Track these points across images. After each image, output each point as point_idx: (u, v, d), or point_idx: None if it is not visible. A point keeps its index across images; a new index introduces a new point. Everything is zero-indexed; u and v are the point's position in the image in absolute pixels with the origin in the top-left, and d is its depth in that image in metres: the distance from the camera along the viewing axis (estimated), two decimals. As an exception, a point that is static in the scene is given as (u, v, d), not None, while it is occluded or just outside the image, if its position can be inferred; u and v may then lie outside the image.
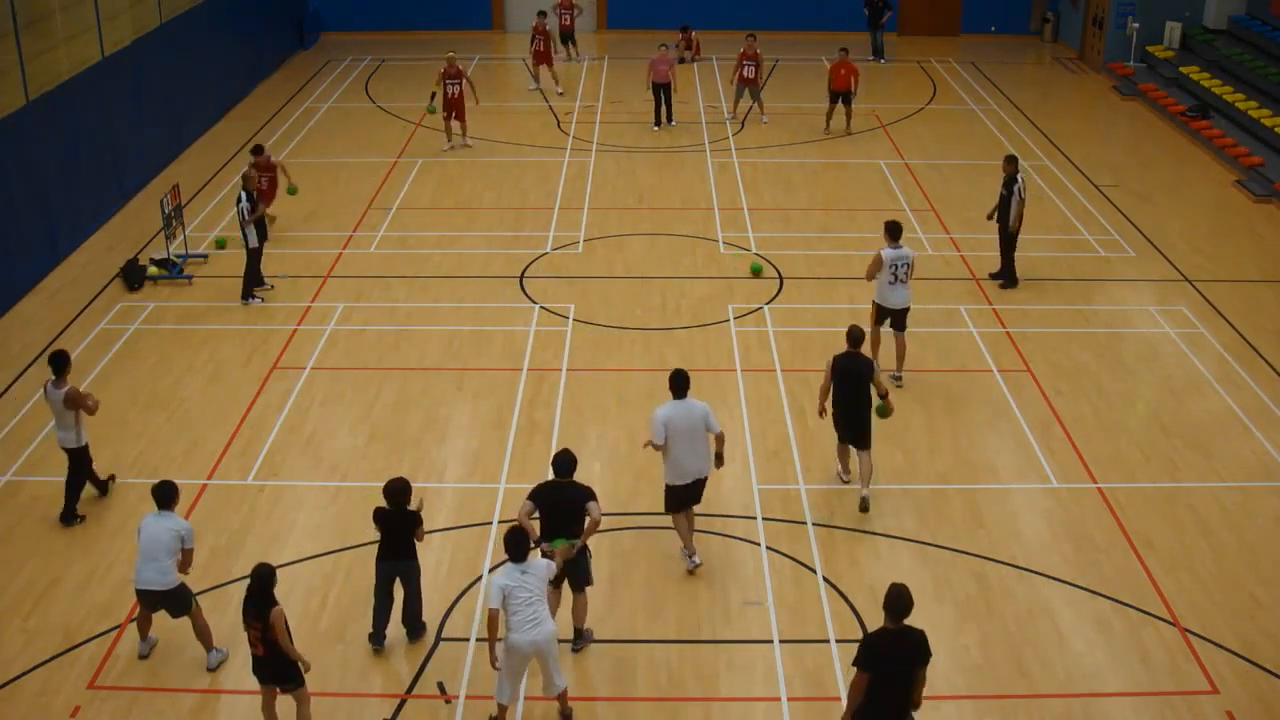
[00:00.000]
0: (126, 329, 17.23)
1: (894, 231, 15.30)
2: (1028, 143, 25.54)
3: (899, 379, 15.59)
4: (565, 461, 10.95)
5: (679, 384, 11.82)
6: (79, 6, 20.74)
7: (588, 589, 11.14)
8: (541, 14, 29.26)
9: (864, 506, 13.08)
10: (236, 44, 28.26)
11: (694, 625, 11.58)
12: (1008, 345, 16.81)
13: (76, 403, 12.74)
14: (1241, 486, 13.77)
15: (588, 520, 10.79)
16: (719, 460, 12.02)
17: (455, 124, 24.68)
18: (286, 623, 9.86)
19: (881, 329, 15.60)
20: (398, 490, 10.81)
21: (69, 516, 12.99)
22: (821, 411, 13.26)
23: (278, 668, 9.94)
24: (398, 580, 11.09)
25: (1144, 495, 13.61)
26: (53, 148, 19.48)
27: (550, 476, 11.18)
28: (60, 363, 12.85)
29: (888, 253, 15.16)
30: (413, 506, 10.96)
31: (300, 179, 22.99)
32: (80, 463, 13.03)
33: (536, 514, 10.91)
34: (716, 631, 11.51)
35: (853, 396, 12.98)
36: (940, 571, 12.27)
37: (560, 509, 10.85)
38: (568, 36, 31.57)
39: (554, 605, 10.87)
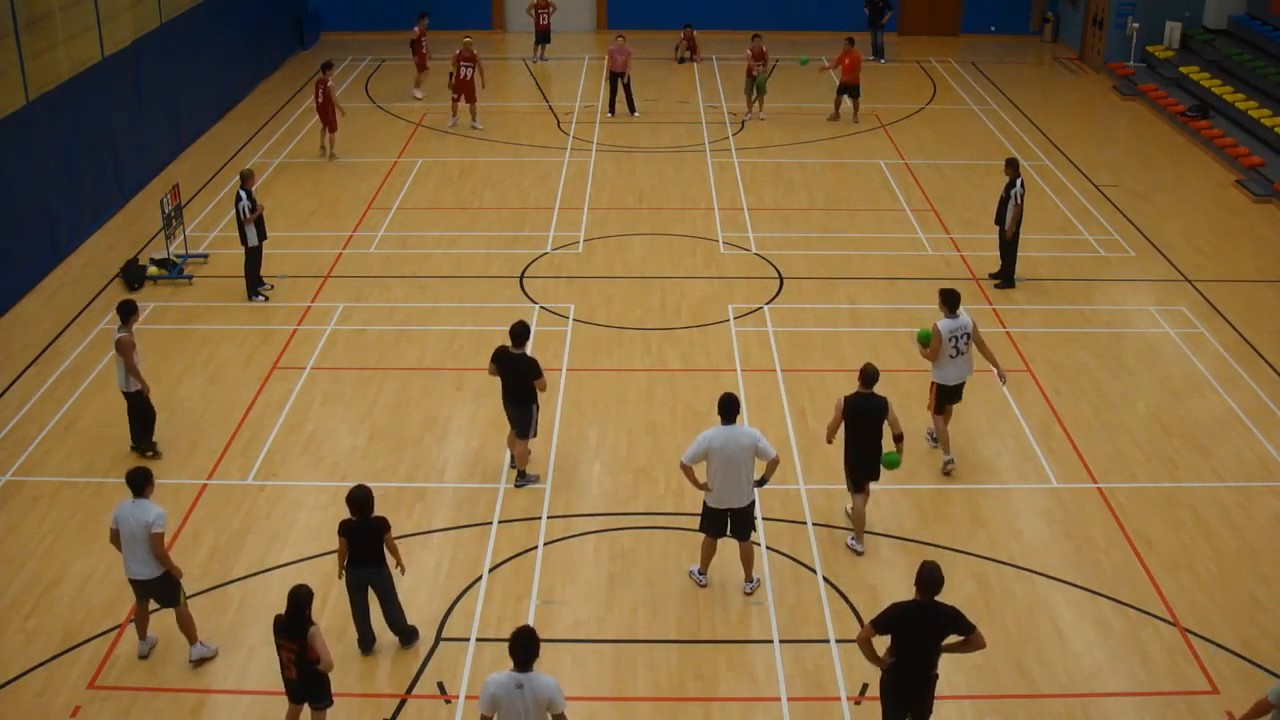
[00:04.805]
0: (126, 329, 17.23)
1: (951, 301, 13.43)
2: (1028, 143, 25.53)
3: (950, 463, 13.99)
4: (519, 332, 13.13)
5: (726, 409, 11.48)
6: (79, 6, 20.72)
7: (530, 439, 13.58)
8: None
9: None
10: (236, 44, 28.25)
11: (694, 625, 11.59)
12: (1008, 345, 16.80)
13: (121, 352, 13.65)
14: (1241, 486, 13.76)
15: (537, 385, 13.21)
16: (760, 481, 11.71)
17: (464, 105, 25.87)
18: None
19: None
20: (359, 499, 10.73)
21: (138, 448, 14.19)
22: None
23: (312, 687, 9.87)
24: (370, 587, 10.99)
25: (1144, 495, 13.61)
26: (53, 148, 19.47)
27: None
28: (122, 310, 13.83)
29: (946, 324, 13.35)
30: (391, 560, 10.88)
31: (300, 179, 23.05)
32: (134, 406, 13.98)
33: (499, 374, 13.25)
34: (716, 631, 11.51)
35: (870, 439, 12.20)
36: (940, 571, 12.25)
37: (514, 374, 13.16)
38: (544, 36, 31.73)
39: (514, 442, 13.52)
